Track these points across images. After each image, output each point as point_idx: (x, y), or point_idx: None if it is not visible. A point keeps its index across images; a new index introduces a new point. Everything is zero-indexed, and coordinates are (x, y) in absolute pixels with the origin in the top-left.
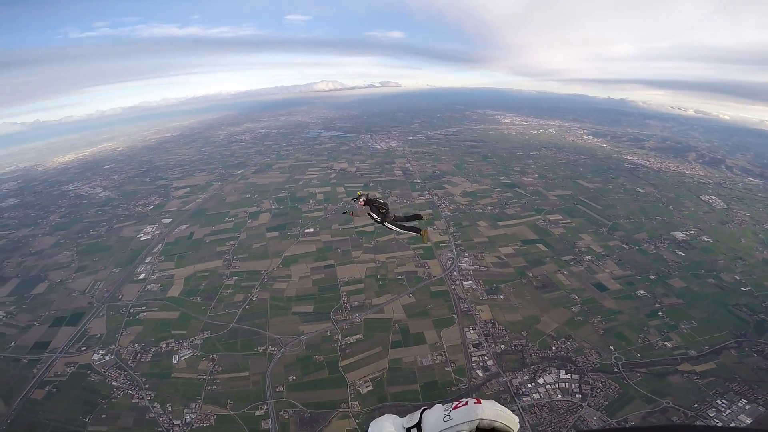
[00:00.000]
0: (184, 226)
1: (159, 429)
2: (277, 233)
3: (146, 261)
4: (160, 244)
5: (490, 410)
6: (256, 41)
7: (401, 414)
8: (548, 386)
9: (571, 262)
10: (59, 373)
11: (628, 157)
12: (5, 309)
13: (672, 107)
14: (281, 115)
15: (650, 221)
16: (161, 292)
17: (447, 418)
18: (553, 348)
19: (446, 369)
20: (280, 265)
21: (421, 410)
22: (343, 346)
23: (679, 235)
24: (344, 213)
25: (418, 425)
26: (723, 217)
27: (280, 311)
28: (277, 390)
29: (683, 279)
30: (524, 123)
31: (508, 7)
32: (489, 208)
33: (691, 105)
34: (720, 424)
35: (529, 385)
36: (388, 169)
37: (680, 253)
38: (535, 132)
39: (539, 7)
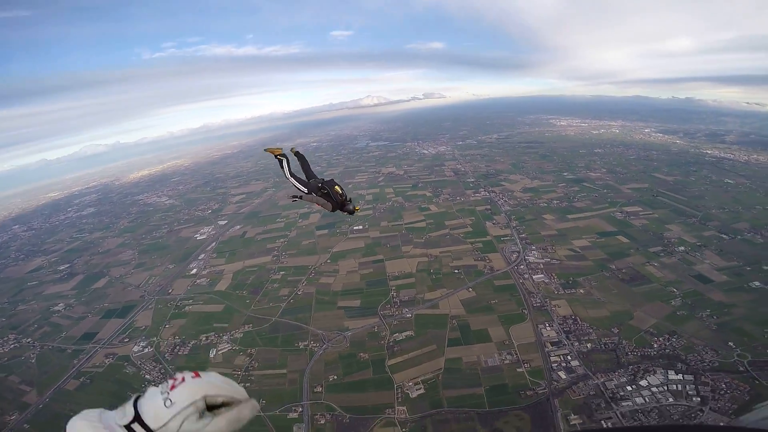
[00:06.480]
0: (238, 227)
1: None
2: (326, 231)
3: (199, 258)
4: (214, 243)
5: (214, 384)
6: (304, 58)
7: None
8: (654, 389)
9: (661, 254)
10: (98, 364)
11: (708, 151)
12: (66, 301)
13: (748, 103)
14: (331, 130)
15: (750, 211)
16: (209, 286)
17: (168, 403)
18: (655, 346)
19: (518, 370)
20: (328, 261)
21: (133, 399)
22: (391, 344)
23: None
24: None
25: (138, 418)
26: None
27: (325, 305)
28: (315, 390)
29: None
30: (582, 124)
31: (546, 8)
32: (555, 202)
33: None
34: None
35: (629, 388)
36: (438, 170)
37: None
38: (596, 132)
39: (579, 4)
